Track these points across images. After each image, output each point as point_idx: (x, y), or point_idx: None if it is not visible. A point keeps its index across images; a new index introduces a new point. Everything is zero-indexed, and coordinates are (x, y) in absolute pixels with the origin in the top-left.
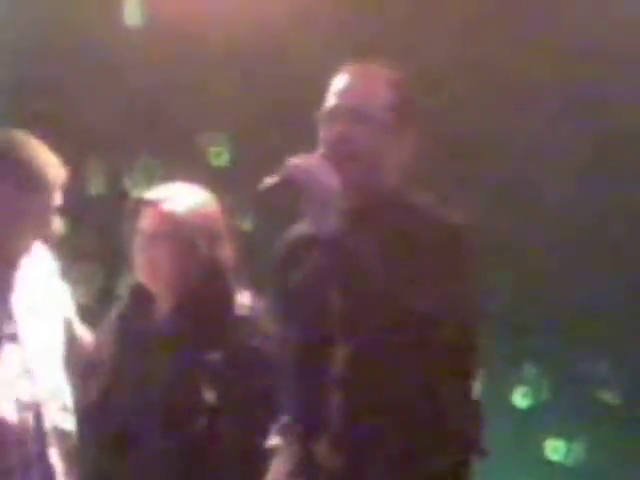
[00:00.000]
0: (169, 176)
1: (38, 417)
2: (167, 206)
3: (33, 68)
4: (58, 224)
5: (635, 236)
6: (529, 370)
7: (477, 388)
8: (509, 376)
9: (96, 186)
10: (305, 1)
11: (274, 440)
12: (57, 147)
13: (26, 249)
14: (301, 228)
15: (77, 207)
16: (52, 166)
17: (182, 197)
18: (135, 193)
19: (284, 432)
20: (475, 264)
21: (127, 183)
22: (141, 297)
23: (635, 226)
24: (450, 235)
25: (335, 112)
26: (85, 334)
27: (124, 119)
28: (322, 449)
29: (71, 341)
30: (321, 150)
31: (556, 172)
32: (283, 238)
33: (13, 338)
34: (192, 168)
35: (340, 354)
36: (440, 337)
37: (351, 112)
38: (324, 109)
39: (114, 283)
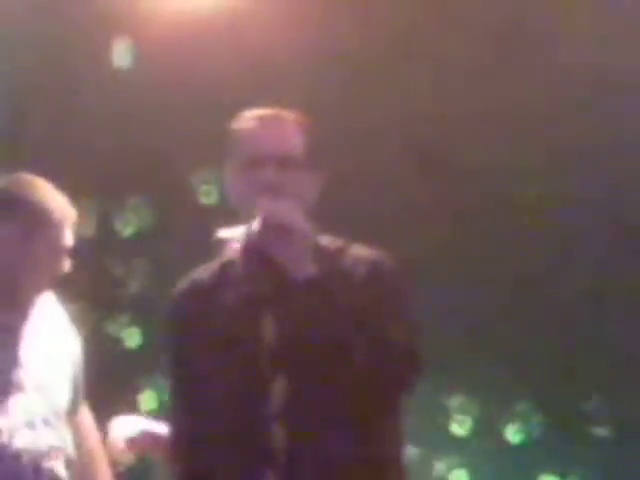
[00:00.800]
0: (160, 215)
1: (36, 471)
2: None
3: (25, 109)
4: (66, 265)
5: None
6: (521, 406)
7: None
8: (501, 412)
9: (87, 227)
10: (296, 42)
11: None
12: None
13: (38, 290)
14: (197, 275)
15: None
16: (60, 206)
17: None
18: (126, 233)
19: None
20: (410, 294)
21: (117, 224)
22: None
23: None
24: (385, 270)
25: (259, 159)
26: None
27: (115, 159)
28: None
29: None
30: (253, 191)
31: None
32: (179, 289)
33: (20, 387)
34: (183, 207)
35: (278, 390)
36: (369, 364)
37: (276, 158)
38: (243, 155)
39: (106, 322)
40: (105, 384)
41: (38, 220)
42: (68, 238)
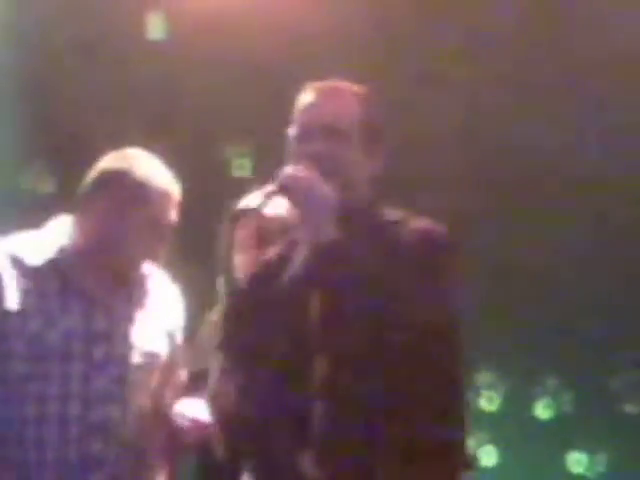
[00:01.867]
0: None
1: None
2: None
3: (58, 77)
4: (169, 242)
5: None
6: (551, 382)
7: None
8: (531, 388)
9: None
10: (326, 16)
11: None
12: (87, 160)
13: (135, 266)
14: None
15: None
16: (164, 182)
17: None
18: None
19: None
20: (457, 273)
21: None
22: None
23: None
24: (432, 244)
25: (310, 130)
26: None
27: (146, 133)
28: (306, 460)
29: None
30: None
31: None
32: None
33: (86, 362)
34: (214, 179)
35: (319, 364)
36: (418, 341)
37: (326, 130)
38: (297, 127)
39: None
40: None
41: (137, 195)
42: (170, 215)
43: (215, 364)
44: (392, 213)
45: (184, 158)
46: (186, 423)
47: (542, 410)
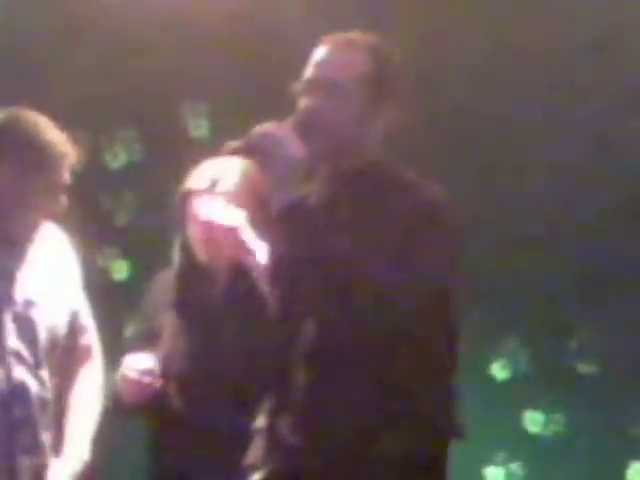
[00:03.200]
0: (149, 148)
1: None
2: (219, 190)
3: (25, 44)
4: (64, 202)
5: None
6: (508, 342)
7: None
8: (488, 348)
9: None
10: None
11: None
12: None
13: (32, 227)
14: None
15: None
16: (58, 144)
17: (229, 178)
18: (114, 165)
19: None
20: (450, 240)
21: (107, 156)
22: (196, 273)
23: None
24: (423, 209)
25: (309, 84)
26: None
27: (106, 94)
28: (284, 426)
29: (73, 331)
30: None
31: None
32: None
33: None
34: (173, 140)
35: (309, 328)
36: (404, 310)
37: (324, 84)
38: (299, 82)
39: (95, 256)
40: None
41: (33, 158)
42: (65, 176)
43: (167, 322)
44: (401, 173)
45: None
46: (130, 380)
47: (499, 370)
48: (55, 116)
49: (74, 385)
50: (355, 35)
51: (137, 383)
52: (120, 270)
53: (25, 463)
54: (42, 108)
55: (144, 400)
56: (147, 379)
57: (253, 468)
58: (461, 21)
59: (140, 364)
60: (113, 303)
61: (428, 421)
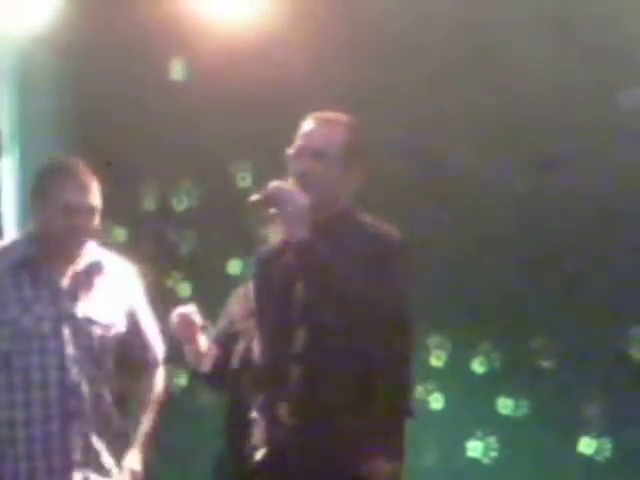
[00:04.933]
0: (206, 196)
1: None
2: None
3: (101, 114)
4: (90, 223)
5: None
6: (484, 345)
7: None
8: (469, 349)
9: (149, 203)
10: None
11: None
12: (121, 173)
13: (68, 248)
14: (270, 246)
15: (134, 220)
16: (70, 176)
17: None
18: (179, 208)
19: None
20: (406, 267)
21: (174, 201)
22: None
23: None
24: (386, 245)
25: (299, 152)
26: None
27: (173, 153)
28: (283, 411)
29: (134, 328)
30: (293, 180)
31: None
32: (259, 252)
33: (57, 337)
34: (224, 190)
35: (300, 335)
36: (375, 323)
37: (311, 151)
38: (293, 148)
39: (164, 279)
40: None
41: (50, 190)
42: (83, 199)
43: (247, 329)
44: (365, 218)
45: (202, 174)
46: (178, 314)
47: (478, 366)
48: (135, 171)
49: (137, 393)
50: (333, 113)
51: (184, 317)
52: (184, 290)
53: (78, 446)
54: (126, 164)
55: (194, 337)
56: (193, 317)
57: (256, 448)
58: None
59: (186, 309)
60: None
61: (390, 404)
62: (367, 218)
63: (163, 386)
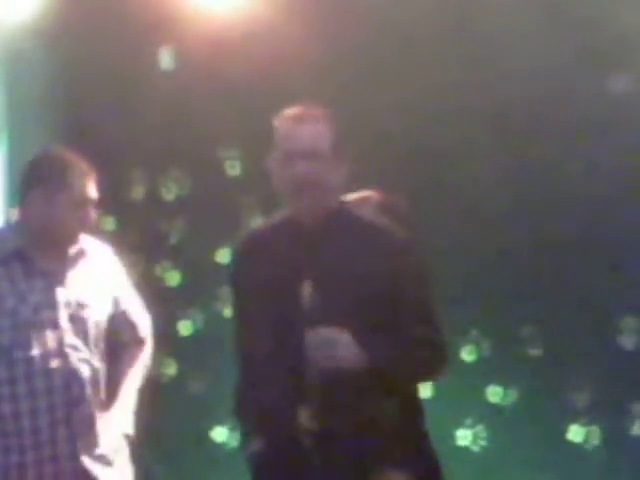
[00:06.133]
0: (195, 184)
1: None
2: None
3: (90, 103)
4: (93, 214)
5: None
6: (473, 333)
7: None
8: (459, 338)
9: (138, 192)
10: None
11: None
12: (110, 162)
13: (69, 238)
14: (251, 234)
15: (123, 209)
16: (79, 168)
17: None
18: (168, 197)
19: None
20: (404, 256)
21: (163, 190)
22: None
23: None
24: (384, 236)
25: (289, 155)
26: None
27: (161, 141)
28: (303, 416)
29: (118, 314)
30: (288, 184)
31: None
32: (241, 241)
33: (55, 325)
34: (213, 177)
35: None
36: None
37: (303, 153)
38: (282, 152)
39: (153, 268)
40: (152, 314)
41: (59, 182)
42: (90, 192)
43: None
44: (359, 212)
45: (191, 162)
46: None
47: (467, 354)
48: (123, 159)
49: (124, 368)
50: (309, 109)
51: None
52: (173, 278)
53: (82, 431)
54: (114, 153)
55: None
56: None
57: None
58: None
59: None
60: (167, 304)
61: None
62: (362, 211)
63: (150, 363)
